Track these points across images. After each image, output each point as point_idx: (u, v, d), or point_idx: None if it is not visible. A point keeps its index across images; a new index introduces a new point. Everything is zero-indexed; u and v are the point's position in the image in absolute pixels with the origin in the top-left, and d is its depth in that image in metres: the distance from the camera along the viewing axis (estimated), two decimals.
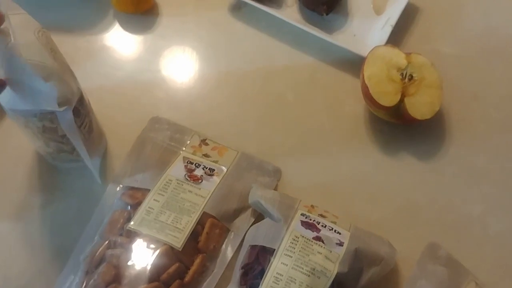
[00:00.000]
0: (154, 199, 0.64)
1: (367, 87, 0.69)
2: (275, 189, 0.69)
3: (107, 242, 0.62)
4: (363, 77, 0.70)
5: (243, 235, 0.65)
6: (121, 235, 0.62)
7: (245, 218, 0.66)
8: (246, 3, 0.80)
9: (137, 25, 0.81)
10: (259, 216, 0.66)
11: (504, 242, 0.67)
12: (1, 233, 0.66)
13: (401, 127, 0.73)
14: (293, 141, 0.73)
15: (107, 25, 0.81)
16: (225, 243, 0.65)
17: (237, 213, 0.66)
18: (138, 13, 0.81)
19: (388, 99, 0.69)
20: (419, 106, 0.69)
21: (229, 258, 0.64)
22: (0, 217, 0.67)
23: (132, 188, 0.67)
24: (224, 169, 0.68)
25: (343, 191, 0.70)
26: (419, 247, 0.64)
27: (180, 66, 0.79)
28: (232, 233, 0.65)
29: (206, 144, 0.71)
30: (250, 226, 0.65)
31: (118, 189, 0.67)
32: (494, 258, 0.66)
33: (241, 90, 0.77)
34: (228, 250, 0.64)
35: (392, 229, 0.66)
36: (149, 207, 0.63)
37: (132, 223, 0.62)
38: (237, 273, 0.61)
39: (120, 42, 0.80)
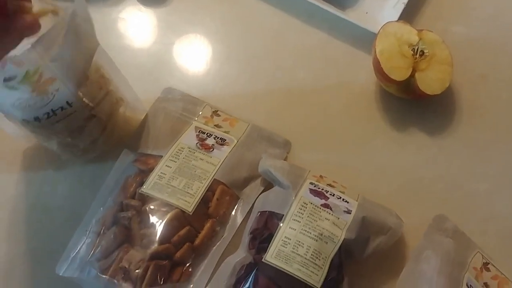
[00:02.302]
0: (166, 165, 0.65)
1: (379, 61, 0.70)
2: (285, 160, 0.70)
3: (119, 204, 0.64)
4: (375, 52, 0.71)
5: (252, 202, 0.66)
6: (133, 198, 0.64)
7: (255, 186, 0.68)
8: None
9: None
10: (268, 185, 0.67)
11: (509, 219, 0.67)
12: (15, 195, 0.68)
13: (411, 102, 0.74)
14: (303, 116, 0.74)
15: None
16: (234, 209, 0.66)
17: (247, 181, 0.68)
18: None
19: (400, 74, 0.69)
20: (430, 82, 0.70)
21: (238, 224, 0.65)
22: (14, 179, 0.68)
23: (145, 155, 0.68)
24: (235, 139, 0.69)
25: (352, 165, 0.71)
26: (426, 221, 0.64)
27: (193, 40, 0.80)
28: (242, 200, 0.66)
29: (218, 115, 0.72)
30: (260, 194, 0.66)
31: (131, 155, 0.68)
32: (499, 234, 0.66)
33: (252, 65, 0.78)
34: (237, 217, 0.66)
35: (399, 203, 0.67)
36: (161, 173, 0.65)
37: (144, 187, 0.63)
38: (246, 238, 0.62)
39: (134, 15, 0.81)
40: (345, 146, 0.72)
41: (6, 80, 0.51)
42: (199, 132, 0.69)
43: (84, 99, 0.58)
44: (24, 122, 0.57)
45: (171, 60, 0.78)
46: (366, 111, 0.74)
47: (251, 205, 0.66)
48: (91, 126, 0.63)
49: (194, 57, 0.79)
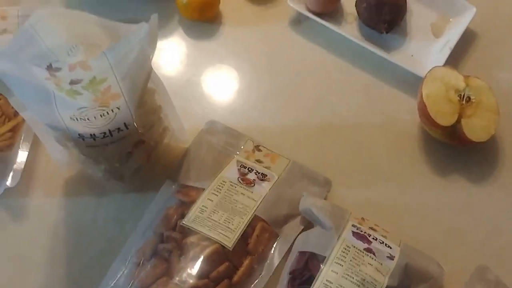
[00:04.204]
0: (208, 198, 0.65)
1: (425, 105, 0.70)
2: (325, 199, 0.70)
3: (159, 236, 0.64)
4: (421, 96, 0.71)
5: (291, 241, 0.65)
6: (174, 230, 0.64)
7: (295, 224, 0.67)
8: (306, 17, 0.82)
9: (199, 32, 0.84)
10: (308, 224, 0.67)
11: None
12: (56, 220, 0.68)
13: (454, 148, 0.73)
14: (344, 154, 0.74)
15: (171, 30, 0.84)
16: (273, 247, 0.66)
17: (287, 219, 0.67)
18: (202, 20, 0.84)
19: (446, 119, 0.69)
20: (476, 129, 0.70)
21: (276, 263, 0.64)
22: (56, 205, 0.69)
23: (187, 187, 0.68)
24: (276, 175, 0.69)
25: (393, 208, 0.70)
26: (467, 270, 0.63)
27: (238, 74, 0.81)
28: (281, 238, 0.66)
29: (259, 150, 0.72)
30: (300, 233, 0.66)
31: (173, 186, 0.69)
32: None
33: (295, 101, 0.78)
34: (276, 255, 0.65)
35: (441, 250, 0.66)
36: (203, 206, 0.65)
37: (185, 219, 0.64)
38: (284, 278, 0.62)
39: (182, 46, 0.83)
40: (386, 187, 0.72)
41: (72, 82, 0.53)
42: (240, 166, 0.70)
43: (138, 122, 0.59)
44: (78, 140, 0.57)
45: (215, 92, 0.79)
46: (408, 153, 0.74)
47: (290, 244, 0.65)
48: (138, 152, 0.63)
49: (238, 91, 0.80)
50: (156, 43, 0.57)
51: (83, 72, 0.53)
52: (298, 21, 0.84)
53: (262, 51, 0.83)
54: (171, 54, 0.82)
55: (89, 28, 0.59)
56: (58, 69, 0.54)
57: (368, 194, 0.71)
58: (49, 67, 0.54)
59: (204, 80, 0.80)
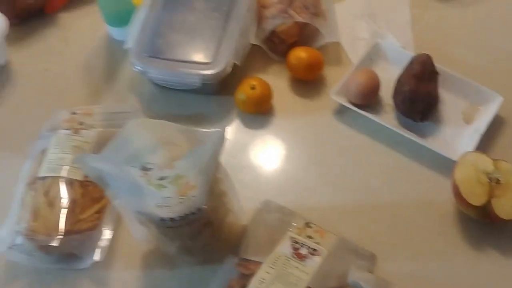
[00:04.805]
0: (266, 271, 0.74)
1: (458, 187, 0.78)
2: (371, 273, 0.77)
3: None
4: (454, 178, 0.79)
5: None
6: None
7: None
8: (348, 109, 0.93)
9: (255, 123, 0.95)
10: None
11: None
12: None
13: (488, 225, 0.80)
14: (387, 231, 0.82)
15: (231, 121, 0.95)
16: None
17: None
18: (257, 113, 0.95)
19: (477, 199, 0.77)
20: (505, 207, 0.77)
21: None
22: (134, 276, 0.79)
23: (247, 260, 0.77)
24: (325, 250, 0.78)
25: (432, 281, 0.77)
26: None
27: (289, 159, 0.91)
28: None
29: (310, 227, 0.81)
30: None
31: (234, 260, 0.78)
32: None
33: (340, 182, 0.88)
34: None
35: None
36: (261, 278, 0.73)
37: None
38: None
39: (240, 136, 0.94)
40: (425, 260, 0.79)
41: (160, 178, 0.66)
42: (293, 242, 0.79)
43: (208, 207, 0.70)
44: (160, 223, 0.69)
45: (269, 175, 0.90)
46: (445, 230, 0.82)
47: None
48: (206, 231, 0.74)
49: (289, 173, 0.89)
50: (224, 144, 0.70)
51: (169, 170, 0.67)
52: (341, 111, 0.95)
53: (309, 138, 0.93)
54: (231, 143, 0.92)
55: (169, 132, 0.72)
56: (149, 169, 0.68)
57: (409, 268, 0.78)
58: (143, 167, 0.68)
59: (260, 165, 0.91)
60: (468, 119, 0.91)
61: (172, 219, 0.67)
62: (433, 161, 0.87)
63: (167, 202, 0.67)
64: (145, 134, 0.71)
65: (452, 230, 0.81)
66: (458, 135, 0.90)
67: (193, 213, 0.68)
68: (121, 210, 0.74)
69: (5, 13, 0.99)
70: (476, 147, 0.85)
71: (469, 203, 0.77)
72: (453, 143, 0.89)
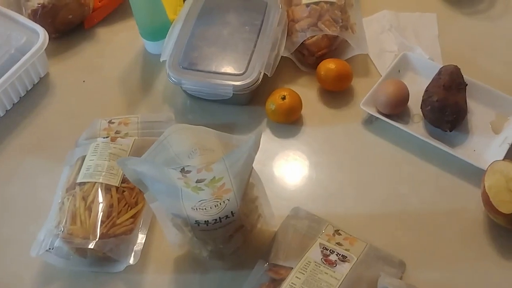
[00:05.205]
0: (296, 277, 0.76)
1: (487, 195, 0.79)
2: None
3: None
4: (484, 187, 0.80)
5: None
6: None
7: None
8: (377, 118, 0.94)
9: (285, 132, 0.97)
10: None
11: None
12: None
13: None
14: (417, 239, 0.83)
15: (261, 130, 0.97)
16: None
17: None
18: (287, 123, 0.97)
19: (507, 207, 0.77)
20: None
21: None
22: (166, 280, 0.81)
23: (277, 265, 0.79)
24: (355, 257, 0.79)
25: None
26: None
27: (318, 167, 0.93)
28: None
29: (339, 234, 0.83)
30: None
31: (265, 265, 0.80)
32: None
33: (369, 190, 0.89)
34: None
35: None
36: (291, 283, 0.75)
37: None
38: None
39: (270, 145, 0.96)
40: (455, 268, 0.80)
41: (198, 181, 0.68)
42: (323, 248, 0.80)
43: (241, 211, 0.72)
44: (194, 225, 0.71)
45: (299, 183, 0.91)
46: (475, 238, 0.82)
47: None
48: (238, 235, 0.76)
49: (318, 181, 0.91)
50: (258, 150, 0.72)
51: (207, 173, 0.69)
52: (370, 121, 0.96)
53: (338, 147, 0.95)
54: (262, 152, 0.92)
55: (205, 137, 0.75)
56: (188, 172, 0.70)
57: (439, 276, 0.79)
58: (182, 170, 0.70)
59: (289, 173, 0.93)
60: (496, 129, 0.92)
61: (206, 222, 0.70)
62: (462, 170, 0.88)
63: (203, 205, 0.69)
64: (184, 139, 0.74)
65: (481, 238, 0.82)
66: (486, 145, 0.90)
67: (227, 217, 0.70)
68: (157, 213, 0.76)
69: (46, 27, 1.04)
70: (505, 156, 0.86)
71: (499, 211, 0.78)
72: (482, 153, 0.89)
